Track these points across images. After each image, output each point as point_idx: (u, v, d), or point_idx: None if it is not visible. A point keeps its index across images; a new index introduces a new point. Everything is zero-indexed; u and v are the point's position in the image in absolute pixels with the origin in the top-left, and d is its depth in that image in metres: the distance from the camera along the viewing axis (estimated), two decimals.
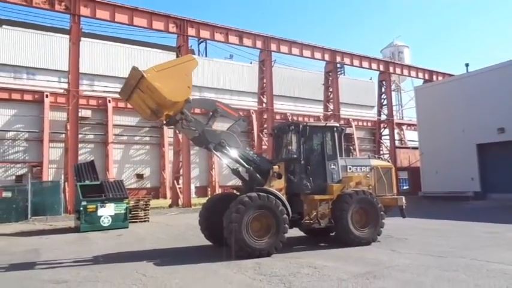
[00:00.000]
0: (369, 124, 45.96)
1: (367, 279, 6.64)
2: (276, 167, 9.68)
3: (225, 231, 8.72)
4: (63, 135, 28.12)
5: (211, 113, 9.70)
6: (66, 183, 22.66)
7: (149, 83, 8.28)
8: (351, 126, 43.25)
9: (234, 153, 9.60)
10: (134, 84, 8.58)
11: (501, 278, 6.56)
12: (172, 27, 25.91)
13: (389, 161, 13.71)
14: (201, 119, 9.73)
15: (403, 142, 47.55)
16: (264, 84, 30.82)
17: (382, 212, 10.17)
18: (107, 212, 15.37)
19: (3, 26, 31.54)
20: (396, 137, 45.85)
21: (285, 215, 9.02)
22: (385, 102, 38.67)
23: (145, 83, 8.31)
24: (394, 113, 49.59)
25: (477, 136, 27.48)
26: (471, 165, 27.81)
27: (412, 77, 41.65)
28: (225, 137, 9.56)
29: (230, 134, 9.70)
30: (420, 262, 7.92)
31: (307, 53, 32.07)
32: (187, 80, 9.03)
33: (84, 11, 23.03)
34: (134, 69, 8.59)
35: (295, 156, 10.24)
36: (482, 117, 27.04)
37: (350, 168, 10.68)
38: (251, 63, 38.22)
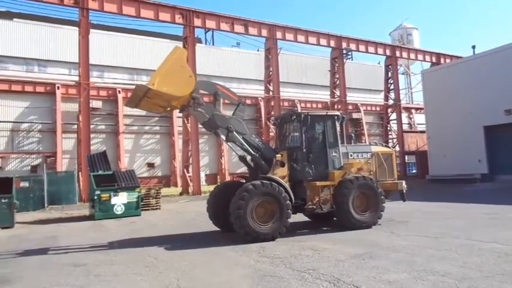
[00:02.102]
0: (378, 109, 45.94)
1: (362, 260, 7.09)
2: (279, 156, 10.10)
3: (231, 217, 9.20)
4: (76, 126, 28.89)
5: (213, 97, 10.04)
6: (80, 173, 23.41)
7: (157, 91, 8.74)
8: (360, 111, 43.36)
9: (240, 139, 9.97)
10: (142, 95, 9.08)
11: (490, 256, 6.95)
12: (178, 18, 26.25)
13: (389, 146, 13.97)
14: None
15: (412, 126, 47.49)
16: (271, 72, 31.06)
17: (382, 197, 10.55)
18: (120, 200, 16.02)
19: (14, 19, 32.16)
20: (405, 121, 45.89)
21: (288, 201, 9.45)
22: (392, 87, 38.64)
23: (153, 92, 8.76)
24: (403, 96, 49.58)
25: (484, 118, 27.52)
26: (479, 148, 27.93)
27: (419, 60, 41.49)
28: (233, 122, 9.90)
29: (238, 120, 10.03)
30: (416, 243, 8.33)
31: (312, 39, 32.20)
32: (186, 71, 9.49)
33: (92, 4, 23.47)
34: (139, 86, 9.10)
35: (297, 144, 10.64)
36: (489, 99, 27.04)
37: (351, 155, 11.05)
38: (258, 50, 38.36)
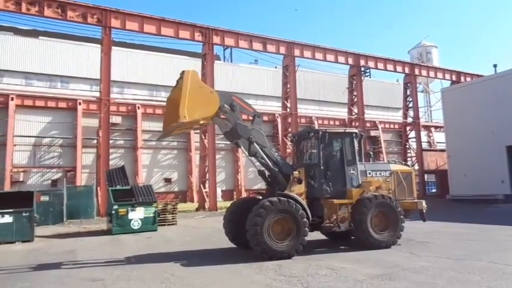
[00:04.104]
0: (396, 126, 45.43)
1: (382, 281, 6.93)
2: (296, 173, 10.04)
3: (247, 234, 9.14)
4: (95, 141, 29.38)
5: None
6: (98, 188, 23.68)
7: (191, 120, 8.99)
8: (378, 129, 42.98)
9: (260, 151, 9.94)
10: (175, 129, 9.43)
11: None
12: (198, 36, 26.70)
13: (408, 165, 13.75)
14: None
15: (432, 144, 46.75)
16: (288, 89, 31.17)
17: (401, 216, 10.36)
18: (137, 215, 16.10)
19: (40, 37, 33.24)
20: (425, 139, 45.22)
21: (305, 219, 9.37)
22: (411, 105, 38.29)
23: (186, 122, 8.99)
24: (422, 114, 48.97)
25: (507, 138, 26.94)
26: (501, 168, 27.27)
27: (439, 78, 41.07)
28: (254, 133, 9.92)
29: (259, 132, 10.03)
30: (437, 265, 8.12)
31: (330, 57, 32.30)
32: (206, 89, 9.72)
33: (115, 22, 24.10)
34: (172, 125, 9.27)
35: (315, 161, 10.57)
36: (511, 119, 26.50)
37: (369, 173, 10.93)
38: (276, 67, 38.60)
